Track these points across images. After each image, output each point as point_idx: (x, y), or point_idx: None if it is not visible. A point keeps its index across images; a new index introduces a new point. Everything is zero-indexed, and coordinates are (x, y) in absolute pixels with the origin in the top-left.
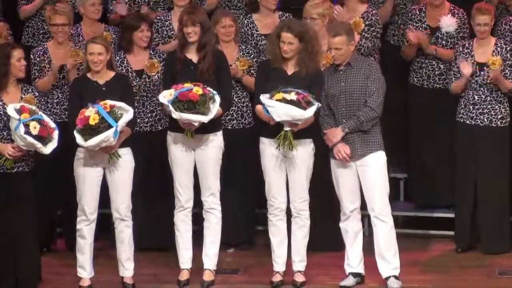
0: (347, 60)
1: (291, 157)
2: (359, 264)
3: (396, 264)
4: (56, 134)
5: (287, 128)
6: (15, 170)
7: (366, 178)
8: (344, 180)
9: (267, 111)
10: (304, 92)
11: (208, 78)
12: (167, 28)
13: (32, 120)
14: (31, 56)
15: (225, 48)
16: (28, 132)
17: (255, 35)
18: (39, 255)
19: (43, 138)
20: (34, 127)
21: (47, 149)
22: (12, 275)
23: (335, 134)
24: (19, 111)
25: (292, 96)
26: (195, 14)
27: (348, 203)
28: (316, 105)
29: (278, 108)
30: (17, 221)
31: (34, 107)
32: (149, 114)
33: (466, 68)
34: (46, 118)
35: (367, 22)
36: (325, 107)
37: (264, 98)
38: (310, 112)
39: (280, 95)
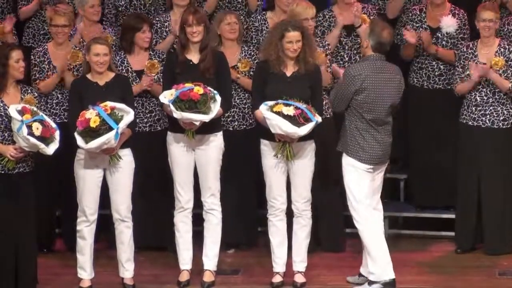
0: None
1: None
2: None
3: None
4: (57, 134)
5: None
6: (16, 170)
7: None
8: None
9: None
10: (305, 108)
11: (209, 78)
12: (166, 29)
13: (34, 121)
14: (31, 57)
15: (228, 49)
16: (31, 133)
17: (264, 31)
18: (36, 256)
19: (45, 139)
20: (37, 128)
21: (50, 150)
22: (12, 275)
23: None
24: (21, 112)
25: (290, 111)
26: (199, 13)
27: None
28: (314, 122)
29: (274, 121)
30: (17, 221)
31: (35, 108)
32: (148, 115)
33: (476, 72)
34: (47, 118)
35: (371, 17)
36: None
37: (264, 108)
38: (305, 130)
39: (279, 107)
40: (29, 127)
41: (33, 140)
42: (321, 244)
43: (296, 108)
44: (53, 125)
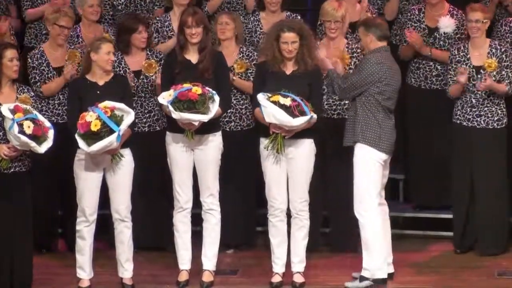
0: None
1: (291, 157)
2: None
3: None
4: (51, 133)
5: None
6: (12, 170)
7: None
8: None
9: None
10: (302, 102)
11: (208, 78)
12: (167, 29)
13: (26, 119)
14: (29, 59)
15: (225, 49)
16: (22, 132)
17: (258, 33)
18: (32, 256)
19: (37, 137)
20: (28, 126)
21: (42, 148)
22: (7, 275)
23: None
24: (13, 111)
25: (287, 101)
26: (198, 14)
27: None
28: (309, 116)
29: (269, 109)
30: (13, 221)
31: (28, 107)
32: (147, 115)
33: (463, 77)
34: (40, 117)
35: (373, 15)
36: None
37: (261, 96)
38: (299, 121)
39: (276, 98)
40: (20, 125)
41: (24, 138)
42: (322, 244)
43: (293, 100)
44: (47, 124)
